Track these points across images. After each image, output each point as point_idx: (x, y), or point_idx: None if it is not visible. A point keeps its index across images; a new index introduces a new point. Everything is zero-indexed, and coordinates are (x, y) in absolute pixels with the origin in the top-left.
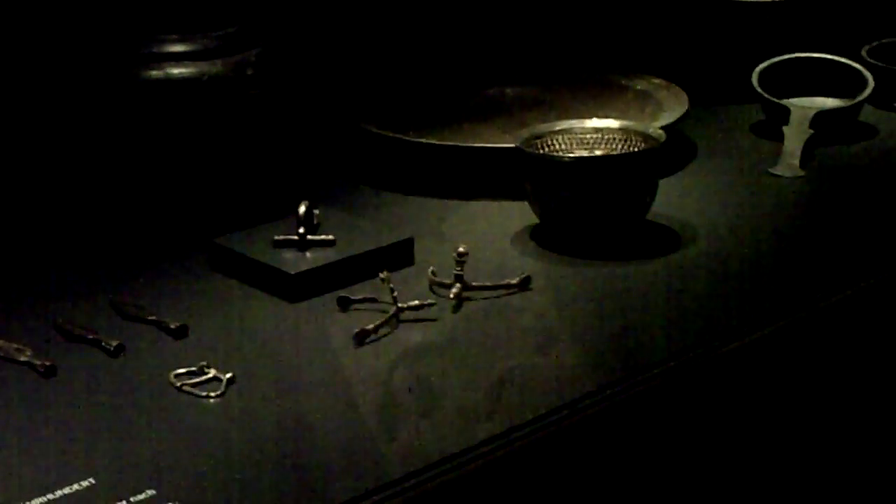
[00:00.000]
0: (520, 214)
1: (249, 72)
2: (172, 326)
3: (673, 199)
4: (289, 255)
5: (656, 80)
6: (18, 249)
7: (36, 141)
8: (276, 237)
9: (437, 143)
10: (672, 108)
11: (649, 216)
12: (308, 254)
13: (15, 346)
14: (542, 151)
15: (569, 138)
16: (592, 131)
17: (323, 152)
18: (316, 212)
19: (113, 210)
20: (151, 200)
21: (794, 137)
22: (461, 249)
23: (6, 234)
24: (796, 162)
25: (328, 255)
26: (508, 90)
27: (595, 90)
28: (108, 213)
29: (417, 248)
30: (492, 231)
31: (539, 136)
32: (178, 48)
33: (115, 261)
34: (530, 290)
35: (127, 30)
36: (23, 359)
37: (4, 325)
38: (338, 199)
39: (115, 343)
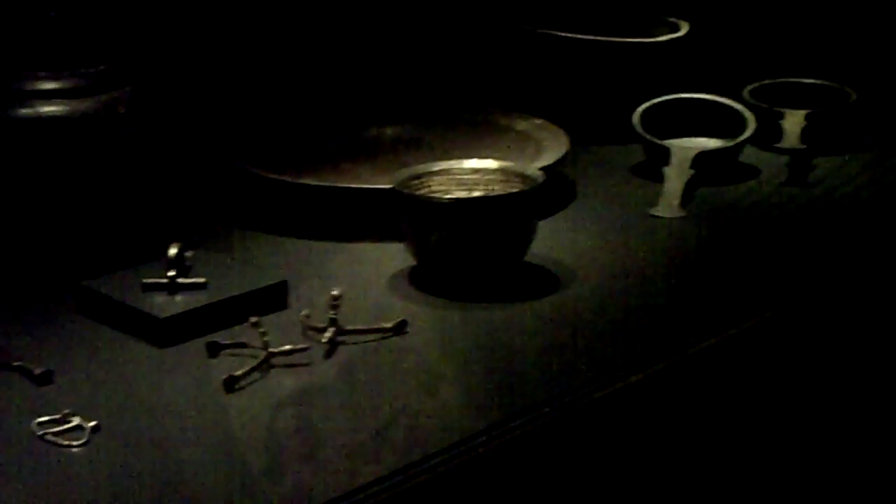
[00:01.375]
0: (398, 256)
1: (121, 110)
2: (36, 372)
3: (552, 240)
4: (158, 298)
5: (537, 121)
6: None
7: None
8: (146, 280)
9: (313, 183)
10: (552, 148)
11: (528, 258)
12: (178, 297)
13: None
14: (419, 192)
15: (447, 179)
16: (471, 172)
17: (198, 193)
18: (188, 254)
19: None
20: (18, 241)
21: (675, 178)
22: (335, 293)
23: None
24: (677, 202)
25: (199, 299)
26: (388, 130)
27: (476, 130)
28: None
29: (292, 291)
30: (369, 273)
31: (417, 177)
32: (47, 86)
33: None
34: (406, 333)
35: None
36: None
37: None
38: (212, 241)
39: None
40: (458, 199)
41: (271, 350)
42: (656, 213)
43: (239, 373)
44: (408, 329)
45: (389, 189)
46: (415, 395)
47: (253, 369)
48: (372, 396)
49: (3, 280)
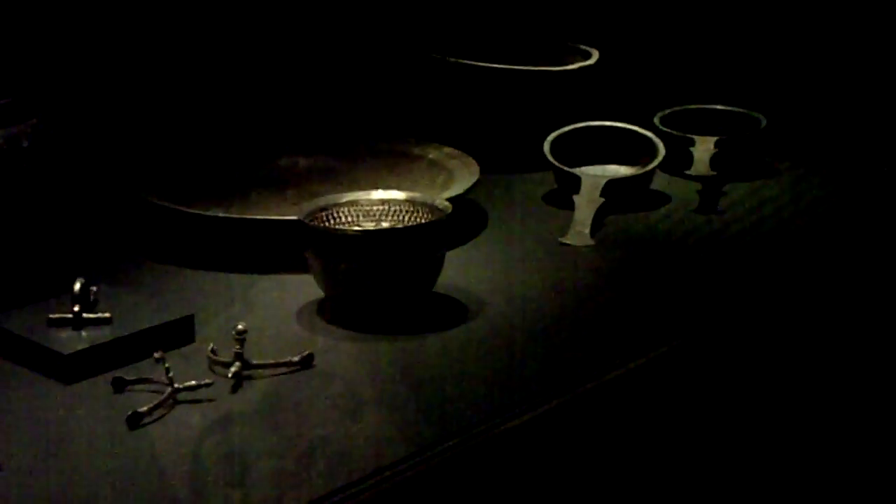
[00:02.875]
0: (307, 288)
1: (24, 144)
2: None
3: (463, 269)
4: (63, 334)
5: (448, 150)
6: None
7: None
8: (51, 315)
9: (219, 215)
10: (463, 177)
11: (437, 288)
12: (83, 333)
13: None
14: (326, 224)
15: (355, 210)
16: (378, 203)
17: (107, 226)
18: (93, 288)
19: None
20: None
21: (585, 206)
22: (240, 327)
23: None
24: (587, 231)
25: (104, 334)
26: (301, 160)
27: (389, 160)
28: None
29: (200, 324)
30: (278, 306)
31: (324, 209)
32: None
33: None
34: (313, 367)
35: None
36: None
37: None
38: (119, 275)
39: None
40: (364, 231)
41: (176, 385)
42: (566, 242)
43: (143, 409)
44: (315, 362)
45: (296, 221)
46: (330, 426)
47: (157, 405)
48: (280, 428)
49: None
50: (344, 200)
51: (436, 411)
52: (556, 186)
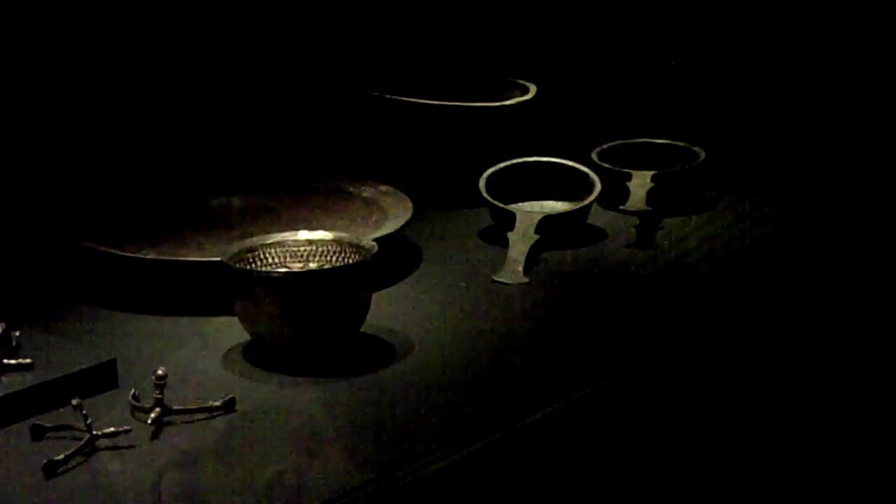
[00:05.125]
0: (233, 330)
1: None
2: None
3: (394, 308)
4: None
5: (383, 187)
6: None
7: None
8: None
9: (144, 257)
10: (397, 215)
11: (366, 328)
12: (3, 379)
13: None
14: (252, 266)
15: (282, 251)
16: (305, 243)
17: (31, 268)
18: (15, 333)
19: None
20: None
21: (519, 243)
22: (159, 372)
23: None
24: (520, 268)
25: (24, 380)
26: (236, 199)
27: (323, 198)
28: None
29: (125, 368)
30: (203, 348)
31: (251, 250)
32: None
33: None
34: (235, 412)
35: None
36: None
37: None
38: (43, 318)
39: None
40: (287, 273)
41: (94, 433)
42: (499, 279)
43: (59, 457)
44: (237, 407)
45: (220, 262)
46: (253, 469)
47: (75, 453)
48: (201, 474)
49: None
50: (270, 241)
51: (359, 454)
52: (492, 223)
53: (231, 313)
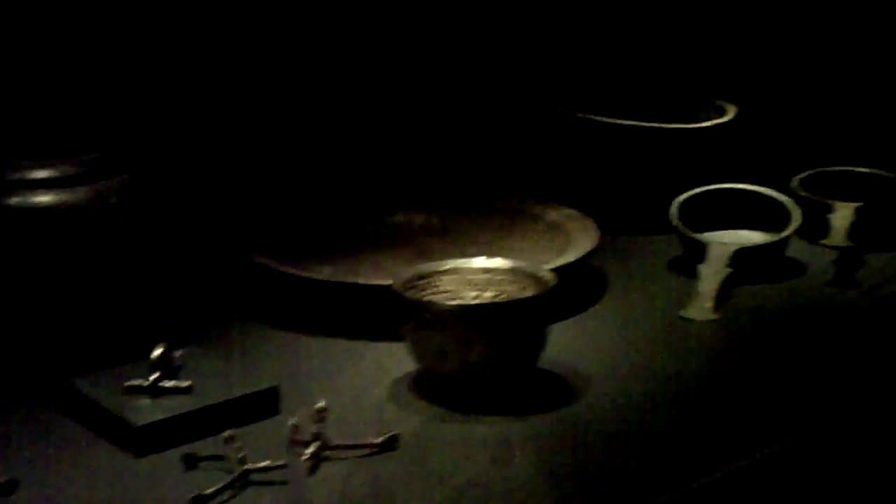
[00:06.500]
0: (402, 358)
1: (113, 200)
2: None
3: (572, 343)
4: (139, 402)
5: (568, 211)
6: None
7: None
8: (128, 383)
9: (313, 277)
10: (581, 242)
11: (542, 364)
12: (159, 402)
13: None
14: (424, 293)
15: (456, 279)
16: (481, 271)
17: (201, 285)
18: (177, 353)
19: None
20: (2, 334)
21: (710, 277)
22: (319, 406)
23: None
24: (710, 304)
25: (181, 405)
26: (417, 217)
27: (505, 219)
28: None
29: (287, 393)
30: (370, 376)
31: (424, 276)
32: (36, 175)
33: None
34: (395, 449)
35: None
36: None
37: None
38: (209, 338)
39: None
40: (461, 305)
41: (247, 467)
42: (686, 316)
43: (208, 491)
44: (398, 444)
45: (390, 288)
46: None
47: (225, 487)
48: None
49: None
50: (445, 268)
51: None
52: (682, 252)
53: (402, 339)
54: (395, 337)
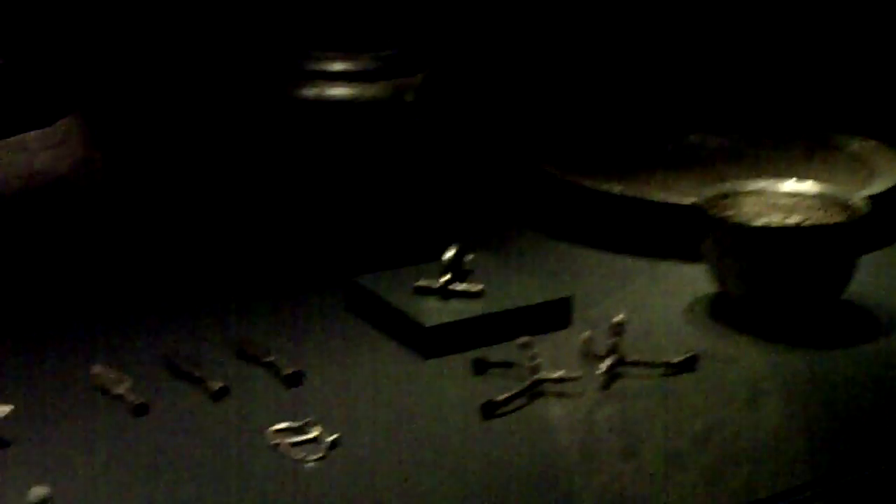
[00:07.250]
0: (700, 280)
1: (409, 97)
2: (285, 372)
3: (877, 277)
4: (429, 303)
5: (873, 143)
6: (151, 273)
7: (183, 157)
8: (418, 283)
9: (612, 191)
10: (885, 175)
11: (846, 296)
12: (450, 305)
13: (114, 374)
14: (727, 214)
15: (760, 201)
16: (786, 196)
17: (489, 191)
18: (467, 257)
19: (256, 234)
20: (295, 229)
21: None
22: (618, 318)
23: (147, 256)
24: None
25: (472, 308)
26: (712, 139)
27: (805, 148)
28: (251, 238)
29: (578, 308)
30: (666, 297)
31: (727, 196)
32: (334, 67)
33: (246, 293)
34: (695, 371)
35: (284, 45)
36: (118, 391)
37: (111, 350)
38: (499, 245)
39: (217, 385)
40: (767, 227)
41: (539, 377)
42: None
43: (500, 398)
44: (698, 366)
45: (694, 206)
46: (696, 440)
47: (516, 395)
48: (643, 439)
49: (272, 271)
50: (749, 189)
51: (841, 439)
52: None
53: (699, 260)
54: (692, 258)
